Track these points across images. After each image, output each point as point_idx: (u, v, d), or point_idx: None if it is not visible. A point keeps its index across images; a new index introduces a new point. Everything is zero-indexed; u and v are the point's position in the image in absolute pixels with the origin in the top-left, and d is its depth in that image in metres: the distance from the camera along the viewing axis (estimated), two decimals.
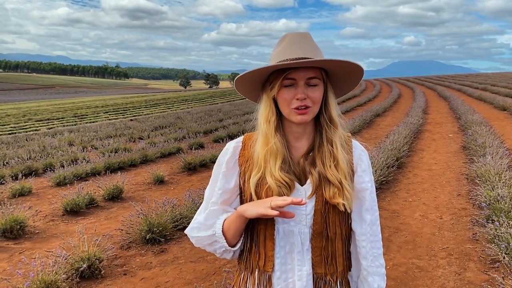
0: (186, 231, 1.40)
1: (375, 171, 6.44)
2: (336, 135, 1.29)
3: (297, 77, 1.22)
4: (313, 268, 1.28)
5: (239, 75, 1.27)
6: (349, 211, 1.28)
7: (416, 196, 6.19)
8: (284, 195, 1.23)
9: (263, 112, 1.29)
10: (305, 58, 1.20)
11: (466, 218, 5.12)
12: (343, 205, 1.24)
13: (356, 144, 1.36)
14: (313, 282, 1.28)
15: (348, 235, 1.33)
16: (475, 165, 6.85)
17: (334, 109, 1.30)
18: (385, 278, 1.37)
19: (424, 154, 9.26)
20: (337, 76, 1.31)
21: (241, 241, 1.34)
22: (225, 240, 1.31)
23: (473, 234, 4.62)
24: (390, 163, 7.14)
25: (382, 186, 6.51)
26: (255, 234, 1.31)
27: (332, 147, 1.28)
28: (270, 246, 1.29)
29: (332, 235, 1.28)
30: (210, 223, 1.33)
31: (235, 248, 1.33)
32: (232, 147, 1.36)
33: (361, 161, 1.33)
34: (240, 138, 1.38)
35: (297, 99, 1.22)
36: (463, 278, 3.70)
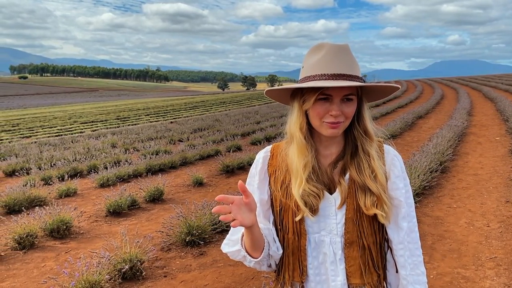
0: (221, 247, 1.39)
1: (418, 175, 6.25)
2: (372, 147, 1.28)
3: (333, 93, 1.19)
4: (347, 279, 1.26)
5: (268, 89, 1.28)
6: (387, 223, 1.26)
7: (461, 202, 5.95)
8: (313, 204, 1.23)
9: (296, 121, 1.27)
10: (342, 75, 1.18)
11: None
12: (382, 216, 1.23)
13: (389, 149, 1.33)
14: None
15: (383, 243, 1.30)
16: None
17: (369, 121, 1.29)
18: (427, 286, 1.32)
19: (469, 158, 8.90)
20: (371, 91, 1.31)
21: (263, 253, 1.27)
22: (247, 254, 1.28)
23: None
24: (433, 168, 6.92)
25: (425, 192, 6.30)
26: (286, 245, 1.30)
27: (369, 158, 1.26)
28: (303, 257, 1.28)
29: (367, 244, 1.26)
30: (235, 238, 1.32)
31: (258, 259, 1.27)
32: (261, 157, 1.37)
33: (394, 167, 1.30)
34: (268, 148, 1.39)
35: (331, 115, 1.19)
36: None
